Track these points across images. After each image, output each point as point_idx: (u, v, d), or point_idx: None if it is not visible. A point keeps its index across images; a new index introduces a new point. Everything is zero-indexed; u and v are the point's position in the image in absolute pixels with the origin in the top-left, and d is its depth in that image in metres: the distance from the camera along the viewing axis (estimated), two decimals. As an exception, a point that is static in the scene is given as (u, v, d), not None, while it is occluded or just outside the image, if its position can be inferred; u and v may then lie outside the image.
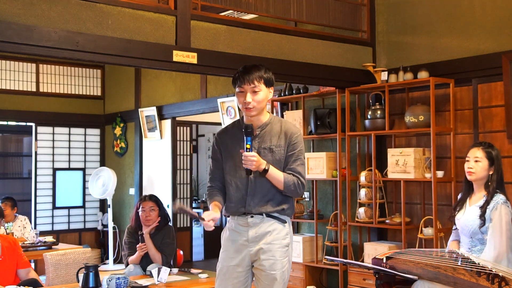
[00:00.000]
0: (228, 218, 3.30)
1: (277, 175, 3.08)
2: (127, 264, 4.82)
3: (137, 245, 4.73)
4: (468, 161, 3.73)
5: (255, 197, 3.11)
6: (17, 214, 6.77)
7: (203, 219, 3.02)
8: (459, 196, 3.93)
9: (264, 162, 3.06)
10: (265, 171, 3.05)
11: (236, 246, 3.16)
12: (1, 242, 4.24)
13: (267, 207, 3.12)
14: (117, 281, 3.78)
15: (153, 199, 4.87)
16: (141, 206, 4.81)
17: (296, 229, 6.40)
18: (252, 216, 3.13)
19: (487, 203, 3.62)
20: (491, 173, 3.69)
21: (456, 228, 3.86)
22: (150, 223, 4.76)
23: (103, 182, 8.38)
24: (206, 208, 11.07)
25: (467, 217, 3.70)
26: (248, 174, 3.09)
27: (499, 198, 3.62)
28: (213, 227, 3.06)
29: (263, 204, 3.11)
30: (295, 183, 3.10)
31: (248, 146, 3.05)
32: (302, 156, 3.15)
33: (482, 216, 3.59)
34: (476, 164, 3.69)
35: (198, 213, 3.13)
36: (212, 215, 3.05)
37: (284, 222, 3.16)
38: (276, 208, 3.13)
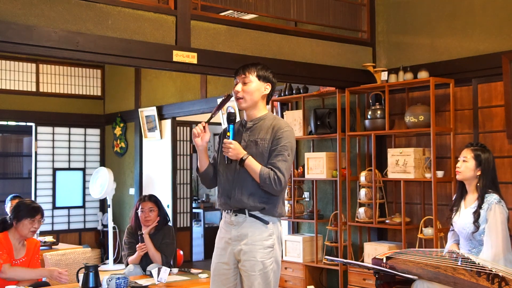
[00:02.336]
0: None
1: (254, 166, 3.09)
2: (127, 264, 4.82)
3: (137, 245, 4.73)
4: (458, 160, 3.78)
5: (239, 189, 3.15)
6: None
7: (205, 122, 3.19)
8: (453, 197, 3.95)
9: (244, 152, 3.11)
10: (242, 160, 3.09)
11: (223, 243, 3.23)
12: (27, 243, 4.27)
13: (249, 202, 3.12)
14: (117, 281, 3.79)
15: (153, 199, 4.86)
16: (140, 207, 4.80)
17: (296, 229, 6.40)
18: (236, 215, 3.16)
19: (479, 206, 3.63)
20: (478, 174, 3.70)
21: (453, 230, 3.87)
22: (149, 223, 4.76)
23: (101, 182, 8.38)
24: (206, 208, 11.10)
25: (463, 220, 3.71)
26: (227, 162, 3.17)
27: (492, 198, 3.63)
28: (198, 135, 3.17)
29: (245, 198, 3.13)
30: (271, 177, 3.06)
31: (228, 133, 3.15)
32: (286, 152, 3.12)
33: (476, 222, 3.61)
34: (463, 164, 3.73)
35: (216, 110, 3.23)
36: (206, 132, 3.18)
37: (266, 223, 3.15)
38: (257, 205, 3.13)
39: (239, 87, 3.19)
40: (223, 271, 3.22)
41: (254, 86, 3.19)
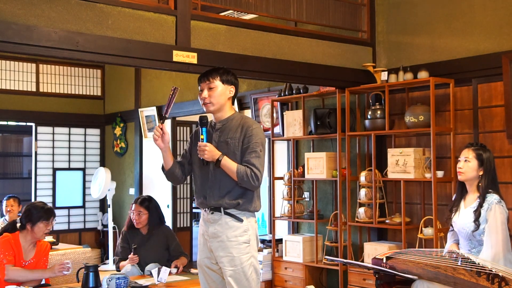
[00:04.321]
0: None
1: (230, 165, 3.22)
2: (117, 268, 4.83)
3: (129, 256, 4.73)
4: (459, 161, 3.77)
5: (215, 188, 3.28)
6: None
7: (161, 123, 3.31)
8: (453, 197, 3.95)
9: (218, 153, 3.24)
10: (218, 161, 3.22)
11: (203, 239, 3.38)
12: (37, 245, 4.27)
13: (225, 199, 3.26)
14: (117, 281, 3.79)
15: (144, 204, 4.86)
16: (132, 208, 4.87)
17: (296, 229, 6.40)
18: (212, 212, 3.30)
19: (480, 205, 3.63)
20: (480, 173, 3.70)
21: (453, 230, 3.87)
22: (139, 226, 4.84)
23: (99, 182, 8.38)
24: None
25: (462, 220, 3.70)
26: (203, 164, 3.29)
27: (493, 198, 3.62)
28: (157, 138, 3.30)
29: (221, 197, 3.27)
30: (248, 174, 3.20)
31: (202, 136, 3.27)
32: (258, 148, 3.26)
33: (476, 221, 3.61)
34: (466, 164, 3.72)
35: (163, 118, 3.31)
36: (165, 133, 3.31)
37: (241, 220, 3.28)
38: (233, 202, 3.26)
39: (205, 93, 3.33)
40: (210, 266, 3.36)
41: (219, 91, 3.33)
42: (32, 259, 4.21)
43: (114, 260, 4.95)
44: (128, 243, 4.87)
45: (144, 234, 4.85)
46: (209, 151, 3.22)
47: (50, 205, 4.46)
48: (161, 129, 3.32)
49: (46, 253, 4.36)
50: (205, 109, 3.38)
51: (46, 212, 4.24)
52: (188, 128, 8.91)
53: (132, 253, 4.72)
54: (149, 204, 4.88)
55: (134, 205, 4.88)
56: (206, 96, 3.32)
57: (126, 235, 4.92)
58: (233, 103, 3.45)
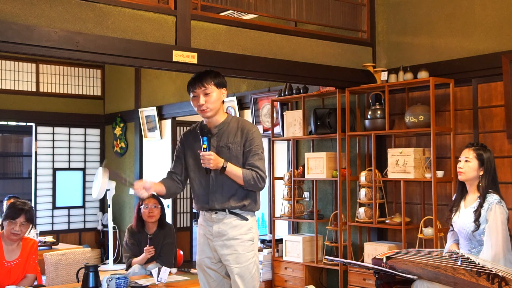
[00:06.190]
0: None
1: (235, 171, 3.22)
2: (128, 266, 4.82)
3: (145, 248, 4.74)
4: (460, 161, 3.77)
5: (217, 193, 3.27)
6: None
7: (132, 185, 3.25)
8: (453, 197, 3.96)
9: (221, 160, 3.21)
10: (223, 168, 3.20)
11: (205, 239, 3.36)
12: (23, 244, 4.24)
13: (230, 202, 3.26)
14: (117, 281, 3.79)
15: (156, 197, 4.89)
16: (143, 203, 4.84)
17: (296, 229, 6.40)
18: (216, 212, 3.29)
19: (480, 206, 3.63)
20: (481, 173, 3.70)
21: (453, 230, 3.87)
22: (152, 219, 4.82)
23: (98, 182, 8.39)
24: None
25: (462, 220, 3.70)
26: (207, 172, 3.25)
27: (493, 198, 3.63)
28: (146, 194, 3.26)
29: (225, 200, 3.26)
30: (254, 177, 3.21)
31: (204, 146, 3.24)
32: (259, 151, 3.28)
33: (477, 221, 3.61)
34: (466, 164, 3.72)
35: (128, 181, 3.24)
36: (142, 183, 3.24)
37: (246, 219, 3.29)
38: (238, 204, 3.26)
39: (202, 99, 3.30)
40: (211, 266, 3.36)
41: (215, 96, 3.32)
42: (18, 259, 4.18)
43: (124, 257, 4.92)
44: (136, 239, 4.87)
45: (149, 233, 4.86)
46: (214, 159, 3.19)
47: (31, 204, 4.33)
48: (135, 186, 3.24)
49: (33, 252, 4.30)
50: (202, 115, 3.37)
51: (12, 211, 4.14)
52: (188, 128, 8.91)
53: (148, 245, 4.73)
54: (159, 198, 4.91)
55: (146, 199, 4.83)
56: (203, 103, 3.30)
57: (133, 232, 4.90)
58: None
